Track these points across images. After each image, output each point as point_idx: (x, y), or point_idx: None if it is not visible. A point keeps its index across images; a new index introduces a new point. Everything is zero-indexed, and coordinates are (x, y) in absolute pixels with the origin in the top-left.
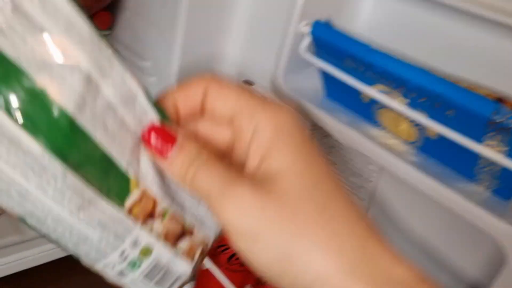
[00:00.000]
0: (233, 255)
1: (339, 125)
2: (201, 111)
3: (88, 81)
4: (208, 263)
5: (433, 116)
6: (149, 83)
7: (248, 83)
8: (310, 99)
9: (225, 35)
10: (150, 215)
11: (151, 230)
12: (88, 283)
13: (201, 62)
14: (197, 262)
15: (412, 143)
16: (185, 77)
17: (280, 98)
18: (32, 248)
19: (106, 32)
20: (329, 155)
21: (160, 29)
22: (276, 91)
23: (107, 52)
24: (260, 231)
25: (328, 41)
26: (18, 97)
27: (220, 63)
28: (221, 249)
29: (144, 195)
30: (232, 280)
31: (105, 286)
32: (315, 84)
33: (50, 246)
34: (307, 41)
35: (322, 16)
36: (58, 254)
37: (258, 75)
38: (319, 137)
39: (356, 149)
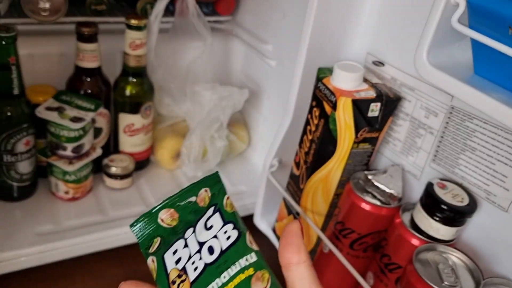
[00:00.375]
0: (356, 240)
1: (494, 103)
2: None
3: None
4: (330, 246)
5: None
6: (269, 66)
7: (378, 63)
8: (456, 75)
9: (356, 16)
10: None
11: None
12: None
13: (328, 46)
14: None
15: None
16: (310, 61)
17: (423, 75)
18: (114, 228)
19: (229, 18)
20: (470, 140)
21: (286, 13)
22: (419, 67)
23: None
24: None
25: (490, 8)
26: None
27: (349, 45)
28: (344, 233)
29: None
30: (354, 266)
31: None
32: (462, 59)
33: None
34: (460, 11)
35: None
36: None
37: (392, 54)
38: (458, 121)
39: (508, 131)
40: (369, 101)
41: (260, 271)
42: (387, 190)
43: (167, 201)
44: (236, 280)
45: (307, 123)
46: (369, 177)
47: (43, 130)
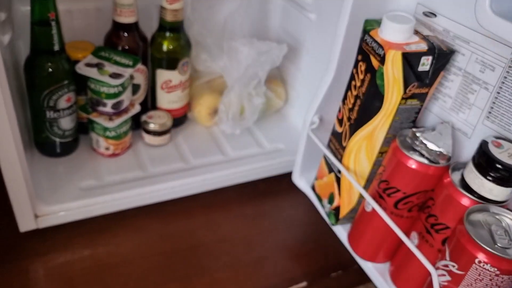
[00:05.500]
0: (401, 199)
1: None
2: None
3: None
4: (373, 204)
5: None
6: (308, 20)
7: (430, 14)
8: None
9: None
10: None
11: None
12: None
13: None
14: None
15: None
16: (356, 13)
17: (484, 25)
18: (153, 184)
19: None
20: None
21: None
22: (480, 17)
23: None
24: None
25: None
26: None
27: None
28: (388, 192)
29: None
30: (397, 225)
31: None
32: None
33: (170, 184)
34: None
35: None
36: (178, 192)
37: (445, 3)
38: None
39: None
40: (420, 54)
41: None
42: (436, 148)
43: None
44: None
45: (352, 78)
46: (417, 134)
47: (83, 87)
